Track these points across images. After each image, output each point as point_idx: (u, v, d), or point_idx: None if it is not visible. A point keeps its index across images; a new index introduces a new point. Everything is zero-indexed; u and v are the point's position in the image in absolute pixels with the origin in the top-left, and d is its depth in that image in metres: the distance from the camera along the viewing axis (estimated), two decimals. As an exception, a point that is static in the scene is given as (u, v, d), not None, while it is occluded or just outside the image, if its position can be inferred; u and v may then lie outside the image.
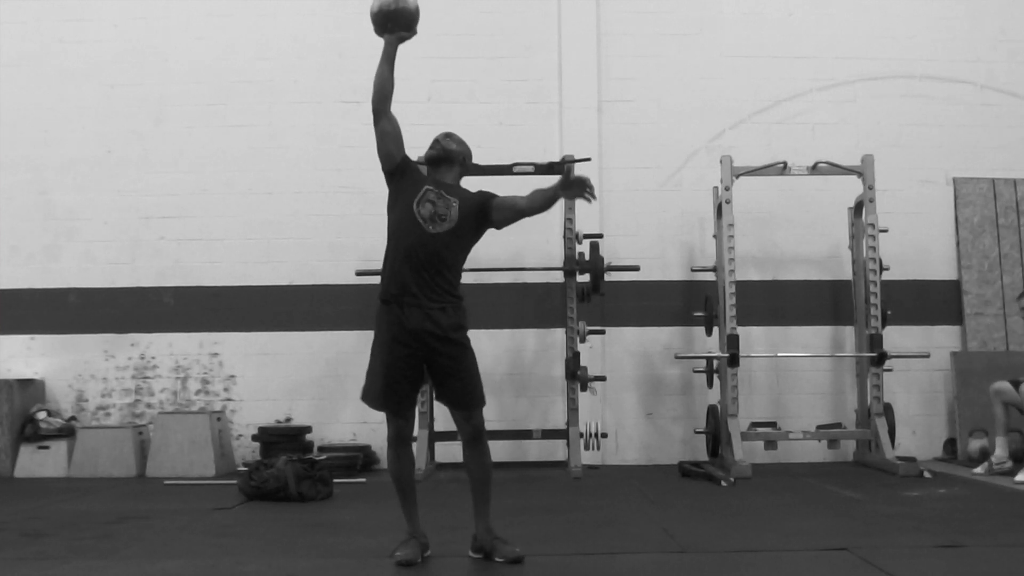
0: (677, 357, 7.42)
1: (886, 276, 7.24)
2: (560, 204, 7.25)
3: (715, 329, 7.42)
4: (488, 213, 4.14)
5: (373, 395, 4.08)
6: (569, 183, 3.95)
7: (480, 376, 4.15)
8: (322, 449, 7.36)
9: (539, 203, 4.09)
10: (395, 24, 4.13)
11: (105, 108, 7.99)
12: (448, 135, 4.29)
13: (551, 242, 7.77)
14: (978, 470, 6.69)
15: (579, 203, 7.22)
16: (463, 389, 4.08)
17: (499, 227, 4.22)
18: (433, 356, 4.03)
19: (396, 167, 4.17)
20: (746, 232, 7.68)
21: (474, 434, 4.12)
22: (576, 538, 4.72)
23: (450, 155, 4.24)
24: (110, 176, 7.96)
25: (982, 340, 7.88)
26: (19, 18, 8.05)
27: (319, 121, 7.96)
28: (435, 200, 4.08)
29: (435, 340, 4.00)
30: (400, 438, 4.14)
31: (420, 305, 4.00)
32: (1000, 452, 6.63)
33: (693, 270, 7.76)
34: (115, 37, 8.04)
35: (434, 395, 4.21)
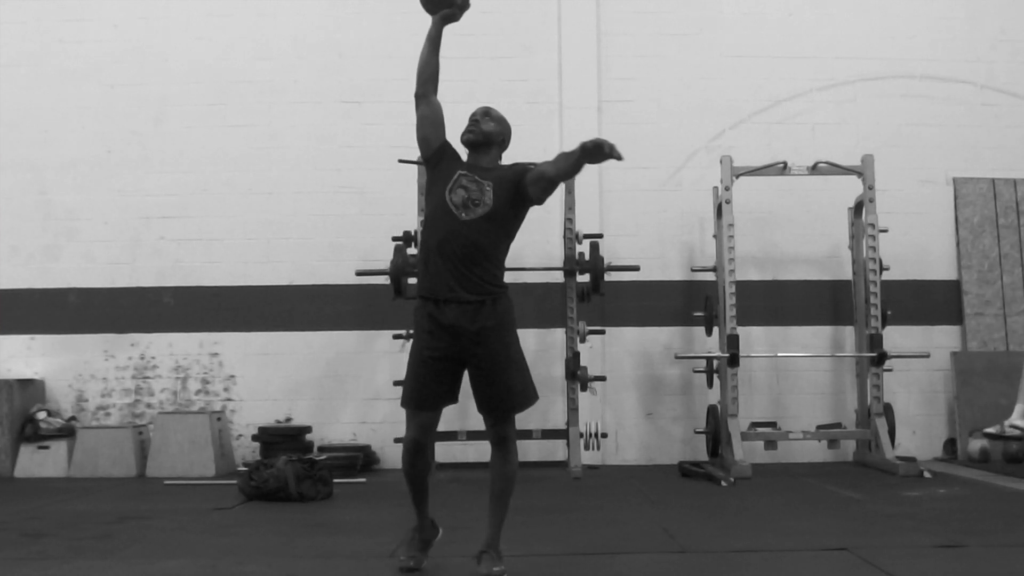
0: (677, 357, 7.42)
1: (886, 276, 7.24)
2: (560, 204, 7.32)
3: (715, 329, 7.42)
4: (524, 190, 3.84)
5: (405, 395, 3.82)
6: (590, 150, 3.62)
7: (525, 378, 3.85)
8: (322, 449, 7.36)
9: (565, 170, 3.79)
10: (435, 3, 3.97)
11: (105, 108, 7.99)
12: (487, 112, 4.01)
13: (551, 242, 7.77)
14: (991, 429, 6.73)
15: (579, 203, 7.26)
16: (495, 393, 3.78)
17: (539, 201, 3.90)
18: (470, 356, 3.76)
19: (433, 153, 3.96)
20: (746, 232, 7.67)
21: (500, 440, 3.85)
22: (576, 538, 4.72)
23: (489, 138, 3.97)
24: (110, 176, 7.96)
25: (982, 340, 7.88)
26: (19, 18, 8.05)
27: (319, 121, 7.96)
28: (468, 185, 3.83)
29: (473, 337, 3.72)
30: (419, 444, 3.82)
31: (458, 300, 3.73)
32: (1017, 419, 6.73)
33: (693, 270, 7.76)
34: (115, 37, 8.04)
35: (475, 403, 3.86)
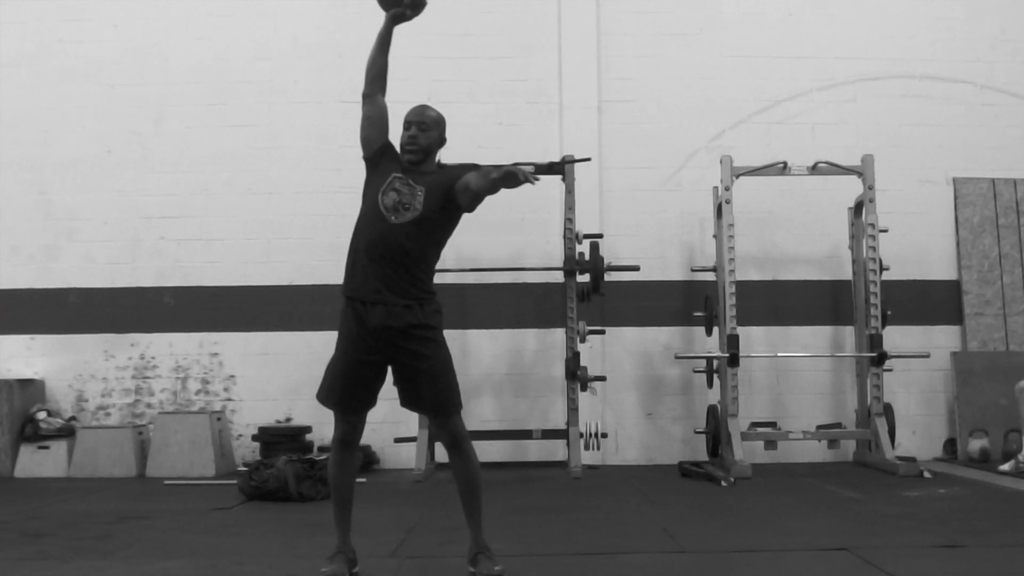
0: (677, 357, 7.42)
1: (886, 276, 7.24)
2: (560, 204, 7.33)
3: (715, 329, 7.42)
4: (453, 195, 3.79)
5: (325, 392, 3.83)
6: (504, 178, 3.56)
7: (455, 378, 3.81)
8: (322, 449, 7.35)
9: (484, 189, 3.66)
10: (389, 2, 3.91)
11: (105, 108, 7.99)
12: (421, 119, 3.89)
13: (551, 242, 7.77)
14: (1005, 467, 6.68)
15: (579, 203, 7.26)
16: (432, 393, 3.75)
17: (469, 210, 3.86)
18: (397, 356, 3.74)
19: (374, 154, 3.93)
20: (746, 232, 7.67)
21: (452, 440, 3.81)
22: (576, 538, 4.72)
23: (429, 150, 3.91)
24: (110, 176, 7.96)
25: (982, 340, 7.88)
26: (19, 18, 8.05)
27: (319, 121, 7.95)
28: (400, 188, 3.78)
29: (400, 338, 3.71)
30: (346, 442, 3.83)
31: (384, 302, 3.71)
32: None
33: (693, 270, 7.76)
34: (115, 37, 8.04)
35: (400, 401, 3.87)
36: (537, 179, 3.56)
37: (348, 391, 3.79)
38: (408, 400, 3.85)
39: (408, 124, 3.91)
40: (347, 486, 3.88)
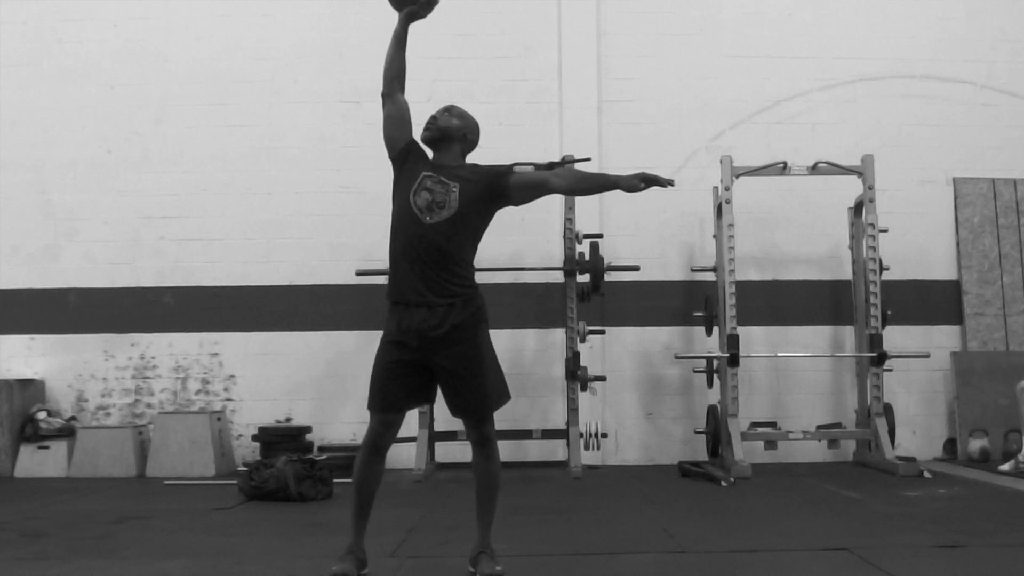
0: (677, 357, 7.42)
1: (886, 276, 7.24)
2: (560, 204, 7.33)
3: (715, 329, 7.42)
4: (506, 191, 3.75)
5: (368, 398, 3.76)
6: (637, 183, 3.66)
7: (498, 376, 3.79)
8: (322, 449, 7.35)
9: (587, 190, 3.78)
10: (402, 1, 3.91)
11: (105, 108, 7.99)
12: (447, 109, 3.92)
13: (551, 242, 7.77)
14: (1005, 467, 6.68)
15: (579, 203, 7.26)
16: (472, 395, 3.71)
17: (519, 204, 3.85)
18: (438, 360, 3.69)
19: (399, 153, 3.88)
20: (746, 232, 7.68)
21: (481, 439, 3.78)
22: (576, 538, 4.72)
23: (446, 133, 3.86)
24: (110, 176, 7.96)
25: (982, 340, 7.88)
26: (19, 18, 8.05)
27: (319, 121, 7.96)
28: (432, 187, 3.73)
29: (439, 342, 3.66)
30: (375, 446, 3.74)
31: (426, 303, 3.66)
32: None
33: (693, 270, 7.76)
34: (115, 37, 8.04)
35: (448, 410, 3.80)
36: (671, 183, 3.66)
37: (382, 387, 3.72)
38: (454, 406, 3.77)
39: (435, 112, 3.92)
40: (369, 490, 3.81)
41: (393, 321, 3.76)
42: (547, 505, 5.72)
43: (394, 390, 3.72)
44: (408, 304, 3.72)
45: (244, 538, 4.84)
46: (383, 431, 3.74)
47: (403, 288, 3.74)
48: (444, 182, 3.75)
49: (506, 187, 3.76)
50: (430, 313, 3.68)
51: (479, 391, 3.72)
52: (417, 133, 3.94)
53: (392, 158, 3.92)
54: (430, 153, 3.92)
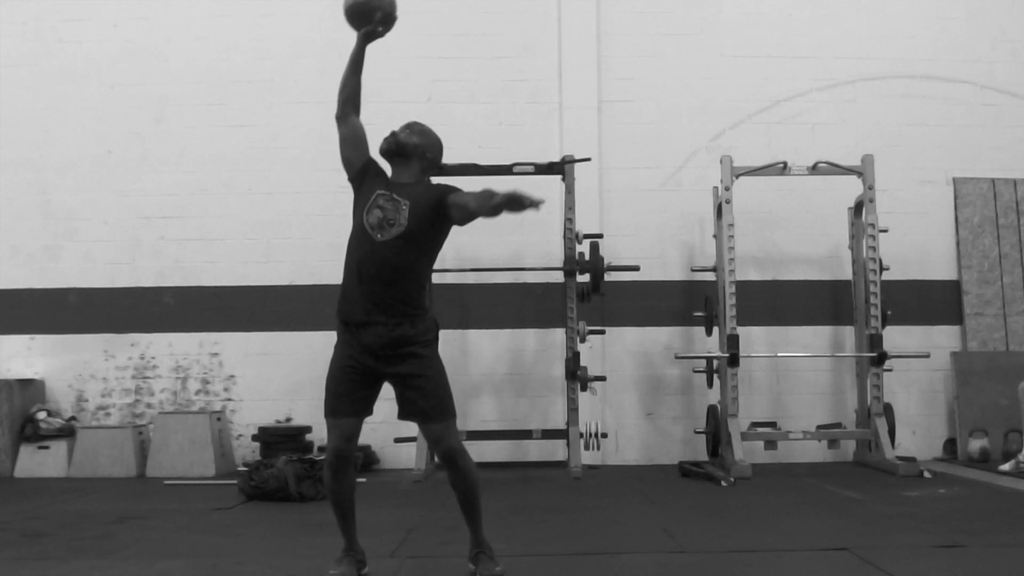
0: (677, 357, 7.42)
1: (886, 276, 7.24)
2: (560, 204, 7.32)
3: (715, 329, 7.42)
4: (446, 209, 3.69)
5: (325, 405, 3.75)
6: (507, 201, 3.42)
7: (448, 390, 3.75)
8: (322, 449, 7.33)
9: (483, 213, 3.57)
10: (360, 20, 3.90)
11: (105, 108, 7.99)
12: (408, 125, 3.89)
13: (551, 242, 7.77)
14: (1005, 467, 6.68)
15: (579, 203, 7.26)
16: (424, 402, 3.68)
17: (461, 224, 3.78)
18: (389, 371, 3.70)
19: (356, 174, 3.88)
20: (746, 232, 7.67)
21: (448, 456, 3.71)
22: (576, 538, 4.72)
23: (403, 149, 3.82)
24: (110, 176, 7.96)
25: (982, 340, 7.88)
26: (19, 18, 8.05)
27: (319, 121, 7.88)
28: (384, 205, 3.71)
29: (391, 357, 3.67)
30: (341, 457, 3.70)
31: (376, 322, 3.66)
32: None
33: (693, 270, 7.76)
34: (115, 37, 8.04)
35: (398, 413, 3.80)
36: (542, 202, 3.45)
37: (337, 393, 3.72)
38: (403, 411, 3.78)
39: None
40: (345, 501, 3.80)
41: (346, 341, 3.76)
42: (547, 505, 5.72)
43: (346, 391, 3.72)
44: (355, 324, 3.71)
45: (244, 538, 4.85)
46: (343, 444, 3.71)
47: (350, 307, 3.74)
48: (396, 200, 3.73)
49: (446, 205, 3.69)
50: (378, 331, 3.67)
51: (432, 397, 3.69)
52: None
53: (350, 179, 3.92)
54: (390, 171, 3.90)
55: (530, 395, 7.79)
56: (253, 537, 4.88)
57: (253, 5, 8.07)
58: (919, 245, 7.96)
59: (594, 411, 7.54)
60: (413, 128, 3.89)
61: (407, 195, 3.74)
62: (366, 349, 3.69)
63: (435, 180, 3.94)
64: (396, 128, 3.91)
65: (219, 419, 7.53)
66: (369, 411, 3.80)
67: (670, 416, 7.85)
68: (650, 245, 7.89)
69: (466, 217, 3.69)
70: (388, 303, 3.68)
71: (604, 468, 7.47)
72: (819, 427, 7.39)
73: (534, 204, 3.41)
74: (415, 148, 3.84)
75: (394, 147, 3.83)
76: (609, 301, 7.59)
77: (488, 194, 3.51)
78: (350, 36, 8.67)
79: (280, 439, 7.28)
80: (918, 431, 7.84)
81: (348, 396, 3.72)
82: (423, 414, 3.72)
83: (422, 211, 3.70)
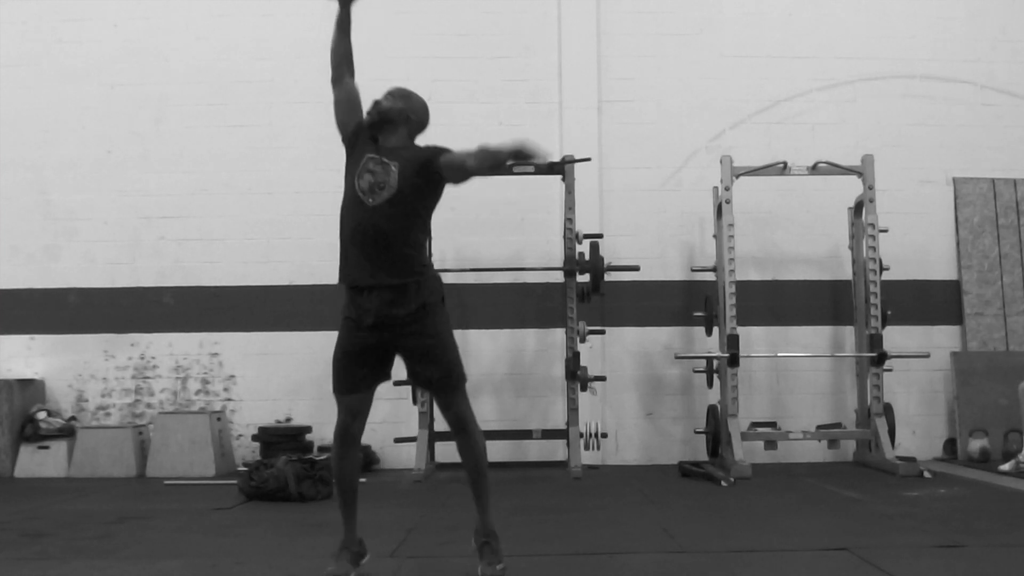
0: (677, 357, 7.42)
1: (886, 276, 7.24)
2: (560, 204, 7.32)
3: (715, 329, 7.42)
4: (437, 171, 3.70)
5: (333, 379, 3.82)
6: (516, 153, 3.46)
7: (457, 355, 3.80)
8: (322, 449, 7.34)
9: (487, 168, 3.62)
10: None
11: (105, 108, 7.99)
12: (390, 92, 3.89)
13: (551, 242, 7.77)
14: (1005, 467, 6.68)
15: (579, 203, 7.26)
16: (434, 370, 3.74)
17: (455, 183, 3.77)
18: (399, 339, 3.72)
19: (349, 136, 3.91)
20: (746, 232, 7.67)
21: (457, 423, 3.77)
22: (576, 538, 4.72)
23: (388, 115, 3.83)
24: (110, 176, 7.96)
25: (982, 340, 7.88)
26: (19, 18, 8.05)
27: (319, 121, 7.84)
28: (374, 168, 3.73)
29: (399, 323, 3.68)
30: (347, 434, 3.79)
31: (379, 285, 3.68)
32: None
33: (693, 270, 7.76)
34: (115, 37, 8.04)
35: (407, 377, 3.87)
36: (549, 154, 3.45)
37: (345, 368, 3.77)
38: (414, 377, 3.84)
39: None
40: (350, 480, 3.86)
41: (350, 306, 3.79)
42: (547, 505, 5.72)
43: (355, 370, 3.76)
44: (361, 287, 3.74)
45: (244, 538, 4.84)
46: (350, 420, 3.78)
47: (354, 272, 3.77)
48: (385, 163, 3.74)
49: (437, 165, 3.71)
50: (382, 295, 3.69)
51: (443, 364, 3.74)
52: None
53: (343, 141, 3.94)
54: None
55: (530, 395, 7.79)
56: (253, 537, 4.88)
57: (253, 5, 8.07)
58: (919, 245, 7.96)
59: (594, 411, 7.54)
60: (395, 94, 3.90)
61: (396, 157, 3.76)
62: (373, 313, 3.69)
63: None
64: (379, 96, 3.92)
65: (219, 419, 7.53)
66: (380, 380, 3.82)
67: (670, 416, 7.85)
68: (650, 245, 7.89)
69: (463, 176, 3.71)
70: (388, 266, 3.70)
71: (604, 468, 7.47)
72: (819, 427, 7.39)
73: (539, 156, 3.47)
74: (399, 113, 3.85)
75: (377, 117, 3.84)
76: (609, 301, 7.59)
77: (488, 152, 3.56)
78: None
79: (280, 439, 7.28)
80: (918, 431, 7.84)
81: (352, 373, 3.77)
82: (433, 382, 3.79)
83: (412, 173, 3.72)
